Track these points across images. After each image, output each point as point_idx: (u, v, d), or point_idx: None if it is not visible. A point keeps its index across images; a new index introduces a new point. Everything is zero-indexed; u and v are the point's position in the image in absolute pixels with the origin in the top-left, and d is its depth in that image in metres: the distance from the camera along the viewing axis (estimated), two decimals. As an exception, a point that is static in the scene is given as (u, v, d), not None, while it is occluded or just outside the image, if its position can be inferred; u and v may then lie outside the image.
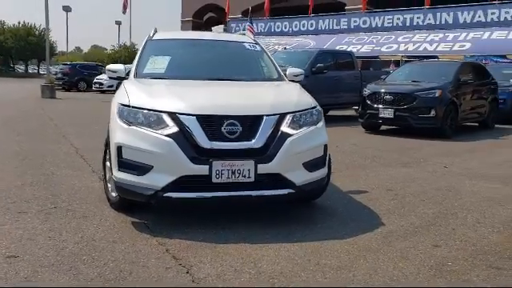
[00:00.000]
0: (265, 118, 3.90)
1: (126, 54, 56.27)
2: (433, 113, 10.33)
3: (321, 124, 4.29)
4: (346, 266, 3.26)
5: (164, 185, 3.75)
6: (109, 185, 4.59)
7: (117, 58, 54.92)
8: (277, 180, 3.90)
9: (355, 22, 26.33)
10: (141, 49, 5.28)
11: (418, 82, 11.10)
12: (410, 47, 22.67)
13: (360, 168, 6.80)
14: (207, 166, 3.71)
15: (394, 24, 25.03)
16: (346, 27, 26.61)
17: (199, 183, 3.78)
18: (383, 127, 11.43)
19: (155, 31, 5.66)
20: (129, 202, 4.23)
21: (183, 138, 3.74)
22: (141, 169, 3.81)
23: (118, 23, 55.90)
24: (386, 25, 25.26)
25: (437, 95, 10.45)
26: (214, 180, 3.73)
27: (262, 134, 3.85)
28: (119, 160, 3.90)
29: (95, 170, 6.12)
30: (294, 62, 12.21)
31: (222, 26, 35.97)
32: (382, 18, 25.47)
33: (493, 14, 22.37)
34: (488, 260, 3.43)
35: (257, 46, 5.65)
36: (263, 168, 3.81)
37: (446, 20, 23.56)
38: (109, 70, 5.12)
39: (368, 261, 3.37)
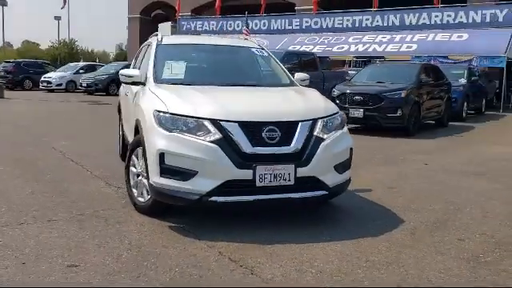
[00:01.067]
0: (300, 123, 4.10)
1: (65, 51, 54.41)
2: (399, 112, 10.89)
3: (346, 128, 4.54)
4: (394, 262, 3.52)
5: (209, 189, 3.86)
6: (134, 190, 4.61)
7: (56, 54, 52.98)
8: (313, 182, 4.11)
9: (307, 22, 26.93)
10: (152, 53, 5.27)
11: (383, 83, 11.68)
12: (360, 48, 23.52)
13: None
14: (251, 171, 3.86)
15: (344, 25, 25.83)
16: (298, 27, 27.15)
17: (243, 187, 3.91)
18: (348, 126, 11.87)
19: (161, 35, 5.66)
20: (162, 207, 4.29)
21: (227, 143, 3.86)
22: (185, 174, 3.88)
23: (58, 18, 53.90)
24: (336, 26, 26.02)
25: (402, 96, 11.03)
26: (258, 184, 3.88)
27: (299, 139, 4.04)
28: (161, 166, 3.94)
29: (97, 175, 6.05)
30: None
31: (169, 23, 35.61)
32: (332, 19, 26.21)
33: (436, 16, 23.64)
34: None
35: (263, 51, 5.81)
36: (301, 171, 4.00)
37: (393, 22, 24.63)
38: (123, 75, 5.08)
39: (410, 256, 3.65)
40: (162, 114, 4.08)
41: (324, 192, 4.18)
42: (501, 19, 22.25)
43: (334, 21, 26.16)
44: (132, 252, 3.57)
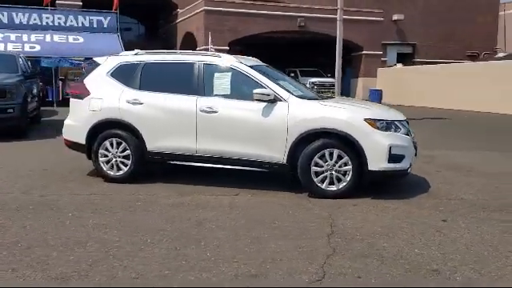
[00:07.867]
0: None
1: None
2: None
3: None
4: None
5: (409, 166, 5.90)
6: (319, 184, 5.71)
7: None
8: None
9: None
10: (257, 74, 5.92)
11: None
12: (-25, 46, 21.25)
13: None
14: (415, 150, 6.16)
15: None
16: None
17: (410, 161, 6.15)
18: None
19: (234, 57, 6.22)
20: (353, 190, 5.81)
21: (408, 135, 5.99)
22: (400, 158, 5.73)
23: None
24: None
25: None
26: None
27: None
28: (389, 155, 5.61)
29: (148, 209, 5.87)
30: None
31: None
32: None
33: (47, 18, 24.12)
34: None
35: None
36: (413, 148, 6.58)
37: (0, 19, 23.26)
38: (262, 94, 5.63)
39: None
40: (374, 120, 5.65)
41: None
42: (106, 25, 25.33)
43: None
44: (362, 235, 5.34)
